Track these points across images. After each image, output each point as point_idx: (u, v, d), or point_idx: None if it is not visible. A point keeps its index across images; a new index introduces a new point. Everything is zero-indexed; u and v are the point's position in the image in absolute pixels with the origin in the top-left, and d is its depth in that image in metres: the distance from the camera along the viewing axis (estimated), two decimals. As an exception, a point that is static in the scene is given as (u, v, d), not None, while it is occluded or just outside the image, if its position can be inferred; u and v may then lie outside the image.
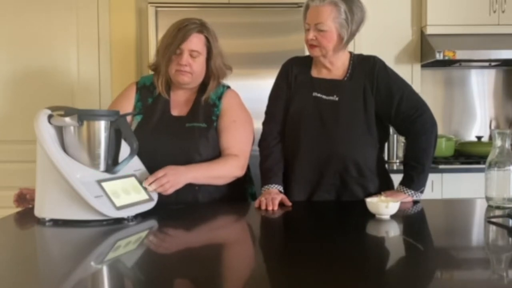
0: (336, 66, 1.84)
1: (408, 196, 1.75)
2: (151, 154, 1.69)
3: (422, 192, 1.78)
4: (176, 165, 1.63)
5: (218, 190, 1.75)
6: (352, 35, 1.80)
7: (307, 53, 1.87)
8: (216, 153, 1.78)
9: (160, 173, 1.58)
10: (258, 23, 2.80)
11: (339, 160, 1.79)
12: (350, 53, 1.89)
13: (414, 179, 1.77)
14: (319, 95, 1.81)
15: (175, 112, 1.81)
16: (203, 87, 1.83)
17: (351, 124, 1.79)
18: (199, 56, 1.76)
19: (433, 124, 1.80)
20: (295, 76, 1.87)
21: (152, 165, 1.64)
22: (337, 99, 1.80)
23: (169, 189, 1.58)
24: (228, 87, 1.89)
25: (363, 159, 1.80)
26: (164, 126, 1.77)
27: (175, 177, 1.59)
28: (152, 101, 1.83)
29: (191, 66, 1.75)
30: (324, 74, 1.86)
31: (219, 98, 1.83)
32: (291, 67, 1.90)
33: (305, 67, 1.89)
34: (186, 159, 1.70)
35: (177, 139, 1.75)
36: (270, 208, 1.63)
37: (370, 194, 1.73)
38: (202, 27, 1.77)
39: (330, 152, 1.79)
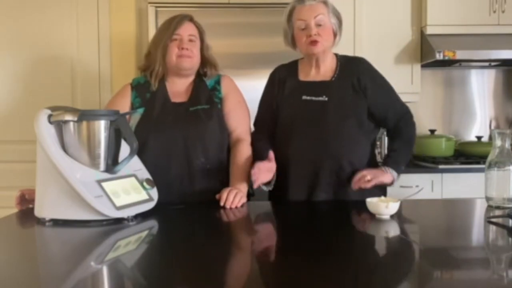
0: (325, 66, 1.89)
1: (387, 174, 1.77)
2: (161, 143, 1.76)
3: (399, 173, 1.81)
4: (229, 187, 1.72)
5: (218, 191, 1.75)
6: (340, 36, 1.90)
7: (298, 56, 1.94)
8: (222, 131, 1.85)
9: (225, 191, 1.67)
10: (258, 23, 2.80)
11: (333, 158, 1.80)
12: (336, 54, 1.94)
13: (393, 158, 1.83)
14: (308, 97, 1.84)
15: (175, 100, 1.86)
16: (198, 77, 1.91)
17: (342, 122, 1.81)
18: (196, 41, 1.87)
19: (415, 128, 1.93)
20: (283, 82, 1.92)
21: (162, 152, 1.75)
22: (326, 99, 1.82)
23: (240, 200, 1.67)
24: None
25: (357, 156, 1.82)
26: (169, 113, 1.82)
27: (239, 193, 1.69)
28: (150, 95, 1.86)
29: (192, 50, 1.83)
30: (311, 77, 1.89)
31: (218, 83, 1.91)
32: (278, 74, 1.95)
33: (292, 72, 1.93)
34: (194, 140, 1.78)
35: (183, 122, 1.80)
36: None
37: (365, 192, 1.74)
38: (192, 17, 1.90)
39: (324, 152, 1.80)
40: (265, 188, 1.80)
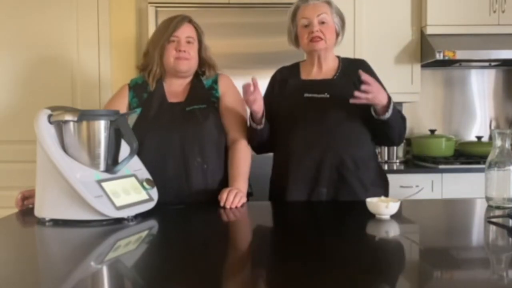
0: (327, 65, 1.91)
1: (385, 94, 1.70)
2: (157, 143, 1.76)
3: (388, 112, 1.73)
4: (229, 187, 1.71)
5: (217, 191, 1.74)
6: (342, 36, 1.94)
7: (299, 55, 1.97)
8: (219, 130, 1.84)
9: (225, 192, 1.66)
10: (258, 23, 2.80)
11: (335, 154, 1.80)
12: (338, 56, 1.97)
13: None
14: (310, 95, 1.86)
15: (173, 100, 1.86)
16: (196, 77, 1.91)
17: (344, 118, 1.82)
18: (194, 43, 1.86)
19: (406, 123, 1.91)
20: (285, 82, 1.93)
21: (159, 152, 1.75)
22: (328, 96, 1.84)
23: (241, 200, 1.67)
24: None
25: (358, 151, 1.82)
26: (165, 113, 1.82)
27: (238, 193, 1.68)
28: (148, 95, 1.86)
29: (189, 52, 1.83)
30: (313, 75, 1.92)
31: (215, 82, 1.91)
32: (280, 75, 1.97)
33: (294, 72, 1.95)
34: (191, 140, 1.77)
35: (180, 122, 1.80)
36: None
37: (367, 188, 1.74)
38: (191, 19, 1.89)
39: (326, 148, 1.80)
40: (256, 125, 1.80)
